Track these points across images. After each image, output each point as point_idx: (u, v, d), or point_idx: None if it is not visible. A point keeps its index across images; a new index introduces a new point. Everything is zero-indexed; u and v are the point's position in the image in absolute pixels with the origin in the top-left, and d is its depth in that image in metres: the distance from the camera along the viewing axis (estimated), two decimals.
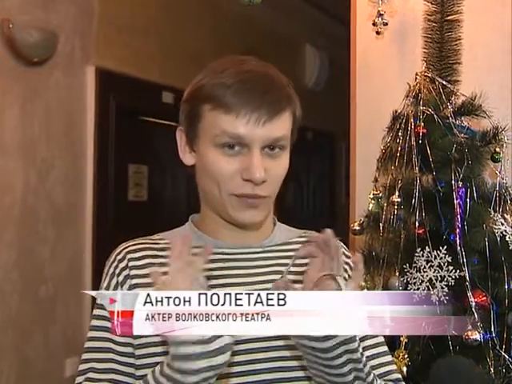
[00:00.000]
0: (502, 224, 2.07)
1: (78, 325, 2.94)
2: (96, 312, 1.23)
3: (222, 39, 4.06)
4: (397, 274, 2.11)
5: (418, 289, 2.04)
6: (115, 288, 1.22)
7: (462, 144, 2.10)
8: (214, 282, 1.19)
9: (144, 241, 1.28)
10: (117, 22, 3.35)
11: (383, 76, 2.51)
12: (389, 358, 1.30)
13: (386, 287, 2.16)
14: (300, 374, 1.18)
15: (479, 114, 2.17)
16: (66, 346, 2.95)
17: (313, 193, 5.20)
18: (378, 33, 2.34)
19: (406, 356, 2.00)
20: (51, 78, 3.00)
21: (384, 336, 2.08)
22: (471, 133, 2.17)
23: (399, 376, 1.29)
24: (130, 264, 1.23)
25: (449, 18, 2.21)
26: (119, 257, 1.25)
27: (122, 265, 1.24)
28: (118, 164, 3.35)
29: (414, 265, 2.06)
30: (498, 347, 1.97)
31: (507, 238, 2.04)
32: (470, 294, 1.99)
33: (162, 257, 1.23)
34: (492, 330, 1.98)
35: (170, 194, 3.76)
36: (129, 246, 1.27)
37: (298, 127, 1.23)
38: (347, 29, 2.64)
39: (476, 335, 1.95)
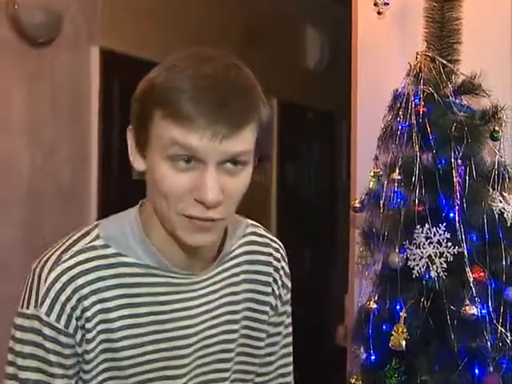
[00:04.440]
0: (501, 201, 2.07)
1: None
2: (24, 336, 1.03)
3: (223, 20, 4.04)
4: (397, 250, 2.12)
5: (417, 265, 2.05)
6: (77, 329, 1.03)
7: (461, 122, 2.10)
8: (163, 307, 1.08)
9: (92, 265, 1.04)
10: (121, 3, 3.33)
11: (384, 55, 2.50)
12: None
13: (385, 263, 2.17)
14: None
15: (479, 93, 2.17)
16: None
17: (314, 172, 5.20)
18: (379, 13, 2.32)
19: (405, 330, 2.02)
20: (56, 58, 2.99)
21: (384, 309, 2.10)
22: (471, 111, 2.17)
23: None
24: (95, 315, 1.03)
25: None
26: (64, 297, 1.02)
27: (75, 319, 1.02)
28: (123, 144, 3.32)
29: (414, 241, 2.07)
30: (494, 321, 1.98)
31: (505, 215, 2.05)
32: (468, 269, 2.00)
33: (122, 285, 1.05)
34: (489, 304, 1.99)
35: None
36: (79, 287, 1.02)
37: (267, 135, 1.09)
38: (348, 9, 2.62)
39: (474, 310, 1.96)
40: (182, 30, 3.66)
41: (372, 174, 2.25)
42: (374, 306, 2.11)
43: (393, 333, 2.02)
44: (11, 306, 2.95)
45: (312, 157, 5.17)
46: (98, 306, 1.03)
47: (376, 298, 2.13)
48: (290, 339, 1.30)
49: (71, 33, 3.04)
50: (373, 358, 2.09)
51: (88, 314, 1.02)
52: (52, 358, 1.02)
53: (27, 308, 1.02)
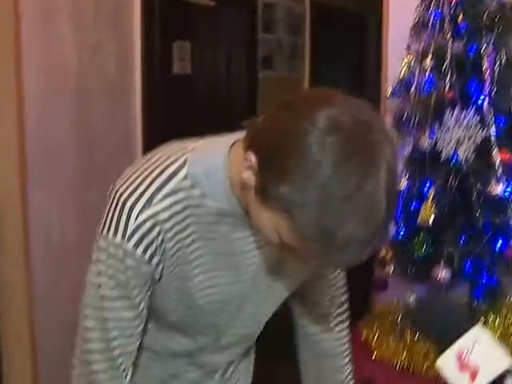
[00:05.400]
0: None
1: None
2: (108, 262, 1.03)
3: None
4: (426, 134, 2.12)
5: (446, 148, 2.06)
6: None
7: (492, 12, 2.07)
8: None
9: (180, 207, 1.02)
10: None
11: None
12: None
13: (415, 147, 2.18)
14: None
15: None
16: None
17: (346, 67, 5.09)
18: None
19: (433, 207, 2.05)
20: None
21: (414, 189, 2.13)
22: (502, 2, 2.12)
23: None
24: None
25: None
26: (144, 229, 1.01)
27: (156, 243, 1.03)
28: (164, 41, 3.33)
29: (444, 125, 2.07)
30: None
31: None
32: (495, 151, 2.01)
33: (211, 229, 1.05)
34: None
35: (210, 68, 3.75)
36: (167, 229, 1.02)
37: None
38: None
39: (499, 189, 1.98)
40: None
41: (404, 62, 2.23)
42: (404, 185, 2.14)
43: (421, 210, 2.05)
44: (64, 195, 3.03)
45: (344, 56, 5.08)
46: (179, 243, 1.04)
47: (406, 178, 2.15)
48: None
49: None
50: (402, 232, 2.14)
51: (170, 252, 1.04)
52: (132, 282, 1.03)
53: (114, 236, 1.02)
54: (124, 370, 1.07)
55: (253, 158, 0.90)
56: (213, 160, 1.04)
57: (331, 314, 1.31)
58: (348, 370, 1.35)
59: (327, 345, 1.33)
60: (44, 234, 2.85)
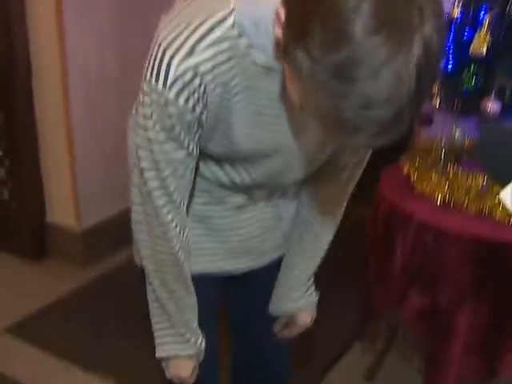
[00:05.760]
0: None
1: None
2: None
3: None
4: None
5: None
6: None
7: None
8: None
9: (224, 57, 0.97)
10: None
11: None
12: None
13: None
14: None
15: None
16: None
17: None
18: None
19: (487, 37, 1.90)
20: None
21: (468, 16, 1.97)
22: None
23: None
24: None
25: None
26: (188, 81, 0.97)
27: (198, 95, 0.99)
28: None
29: None
30: None
31: None
32: None
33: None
34: None
35: None
36: (209, 81, 0.98)
37: None
38: None
39: None
40: None
41: None
42: (457, 12, 1.98)
43: (474, 39, 1.91)
44: (102, 26, 2.93)
45: None
46: (222, 95, 1.01)
47: (460, 5, 1.99)
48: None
49: None
50: (450, 64, 2.01)
51: (213, 103, 1.01)
52: (177, 127, 1.02)
53: (156, 83, 0.98)
54: (181, 202, 1.12)
55: (283, 13, 0.82)
56: (263, 10, 0.95)
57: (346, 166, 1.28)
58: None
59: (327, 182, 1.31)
60: (82, 67, 2.80)
